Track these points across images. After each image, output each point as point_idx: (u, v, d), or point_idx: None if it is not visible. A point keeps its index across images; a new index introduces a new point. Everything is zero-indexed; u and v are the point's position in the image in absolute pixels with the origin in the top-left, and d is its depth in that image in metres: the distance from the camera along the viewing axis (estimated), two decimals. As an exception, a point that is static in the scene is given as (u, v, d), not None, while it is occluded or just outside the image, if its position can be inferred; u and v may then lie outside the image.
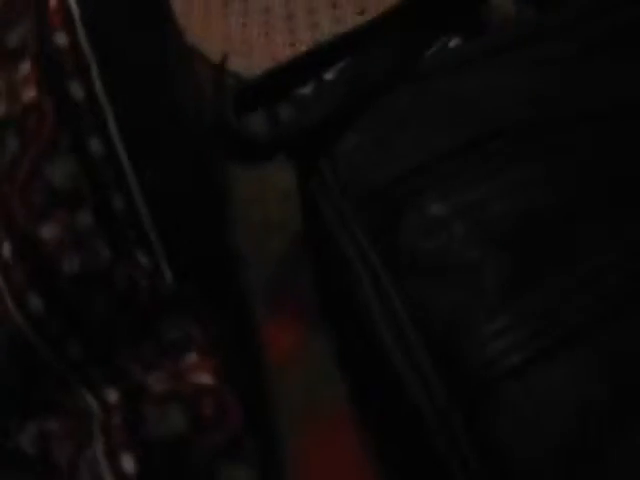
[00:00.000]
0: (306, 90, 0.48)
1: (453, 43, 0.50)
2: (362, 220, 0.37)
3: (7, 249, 0.36)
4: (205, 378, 0.36)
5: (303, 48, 0.56)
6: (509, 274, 0.34)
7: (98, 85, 0.35)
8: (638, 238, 0.34)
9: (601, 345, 0.32)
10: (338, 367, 0.41)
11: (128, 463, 0.35)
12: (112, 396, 0.37)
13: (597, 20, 0.42)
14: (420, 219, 0.36)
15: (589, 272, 0.33)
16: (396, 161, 0.38)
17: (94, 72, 0.35)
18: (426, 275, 0.35)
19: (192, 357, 0.37)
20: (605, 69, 0.40)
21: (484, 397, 0.31)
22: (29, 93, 0.35)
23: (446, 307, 0.34)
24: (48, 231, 0.35)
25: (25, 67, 0.36)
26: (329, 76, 0.47)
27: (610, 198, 0.36)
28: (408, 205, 0.37)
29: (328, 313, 0.43)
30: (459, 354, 0.33)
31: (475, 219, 0.36)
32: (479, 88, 0.40)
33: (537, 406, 0.31)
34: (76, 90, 0.35)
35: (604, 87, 0.39)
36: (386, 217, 0.37)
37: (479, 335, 0.33)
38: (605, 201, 0.36)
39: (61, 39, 0.34)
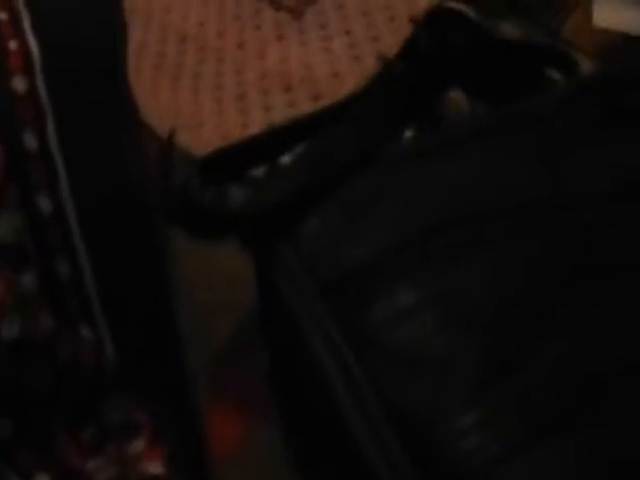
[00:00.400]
0: (258, 172, 0.46)
1: (408, 134, 0.50)
2: (328, 306, 0.35)
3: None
4: (154, 468, 0.32)
5: (254, 129, 0.54)
6: (479, 366, 0.32)
7: (52, 136, 0.33)
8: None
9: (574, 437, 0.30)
10: (291, 464, 0.38)
11: None
12: (43, 482, 0.33)
13: (551, 117, 0.42)
14: (390, 306, 0.35)
15: (555, 365, 0.32)
16: (364, 246, 0.37)
17: (50, 122, 0.33)
18: (398, 366, 0.33)
19: (140, 444, 0.33)
20: (557, 163, 0.39)
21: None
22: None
23: (420, 401, 0.32)
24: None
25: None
26: (285, 159, 0.46)
27: (582, 287, 0.35)
28: (378, 291, 0.35)
29: (282, 405, 0.40)
30: (436, 449, 0.30)
31: (445, 308, 0.34)
32: (439, 176, 0.39)
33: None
34: (29, 140, 0.32)
35: (555, 179, 0.39)
36: (354, 303, 0.35)
37: (455, 429, 0.31)
38: (576, 290, 0.35)
39: (19, 84, 0.32)
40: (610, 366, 0.33)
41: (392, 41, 0.59)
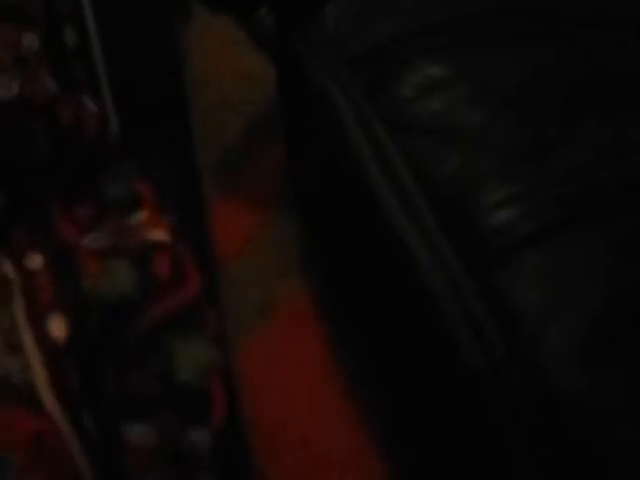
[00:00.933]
0: None
1: None
2: (359, 79, 0.33)
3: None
4: (158, 234, 0.30)
5: None
6: (518, 138, 0.30)
7: None
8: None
9: (628, 219, 0.28)
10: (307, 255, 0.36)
11: (56, 326, 0.29)
12: (35, 262, 0.31)
13: None
14: (422, 78, 0.32)
15: (592, 154, 0.30)
16: (396, 21, 0.34)
17: None
18: (428, 134, 0.30)
19: (142, 214, 0.31)
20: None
21: (500, 264, 0.27)
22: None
23: (452, 168, 0.29)
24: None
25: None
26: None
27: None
28: (410, 65, 0.32)
29: (302, 197, 0.38)
30: (468, 219, 0.28)
31: (480, 82, 0.32)
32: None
33: (561, 279, 0.26)
34: None
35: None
36: (385, 75, 0.32)
37: (490, 200, 0.28)
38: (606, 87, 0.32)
39: None
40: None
41: None
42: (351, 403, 0.33)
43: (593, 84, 0.32)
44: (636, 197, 0.29)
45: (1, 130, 0.31)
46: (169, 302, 0.29)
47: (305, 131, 0.36)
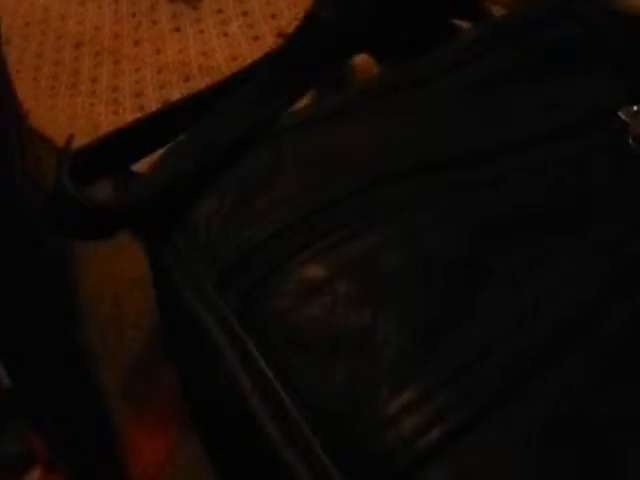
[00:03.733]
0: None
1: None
2: (231, 295, 0.31)
3: None
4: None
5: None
6: (405, 333, 0.28)
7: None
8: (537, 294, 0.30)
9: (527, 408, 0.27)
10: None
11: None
12: None
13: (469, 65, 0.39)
14: (298, 283, 0.30)
15: (491, 336, 0.28)
16: (261, 222, 0.32)
17: None
18: (307, 349, 0.29)
19: (36, 473, 0.30)
20: (488, 109, 0.36)
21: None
22: None
23: (338, 383, 0.28)
24: None
25: None
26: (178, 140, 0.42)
27: (516, 243, 0.31)
28: (280, 270, 0.31)
29: (195, 415, 0.36)
30: (359, 444, 0.26)
31: (363, 275, 0.30)
32: (351, 138, 0.35)
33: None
34: None
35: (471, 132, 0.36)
36: (255, 287, 0.31)
37: (381, 415, 0.27)
38: (510, 246, 0.31)
39: None
40: (549, 331, 0.29)
41: (291, 15, 0.56)
42: None
43: (486, 238, 0.31)
44: (531, 382, 0.27)
45: None
46: None
47: (182, 345, 0.35)
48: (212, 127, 0.37)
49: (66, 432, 0.33)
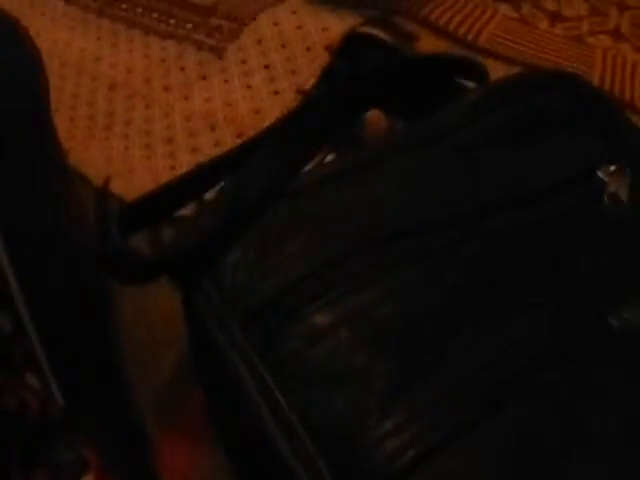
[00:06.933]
0: (186, 211, 0.49)
1: (329, 158, 0.53)
2: (251, 336, 0.37)
3: None
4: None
5: (182, 170, 0.57)
6: (395, 372, 0.35)
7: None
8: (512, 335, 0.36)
9: (492, 432, 0.33)
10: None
11: None
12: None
13: (463, 129, 0.45)
14: (305, 329, 0.37)
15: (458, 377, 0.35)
16: (278, 274, 0.38)
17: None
18: (316, 386, 0.35)
19: (90, 477, 0.36)
20: (475, 173, 0.42)
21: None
22: None
23: (336, 414, 0.34)
24: None
25: None
26: (208, 196, 0.48)
27: (487, 298, 0.38)
28: (293, 317, 0.37)
29: (220, 432, 0.42)
30: (353, 460, 0.33)
31: (360, 325, 0.37)
32: (355, 199, 0.41)
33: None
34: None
35: (473, 191, 0.41)
36: (273, 330, 0.37)
37: (370, 436, 0.33)
38: (482, 301, 0.37)
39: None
40: (515, 371, 0.35)
41: (309, 72, 0.62)
42: None
43: (468, 289, 0.37)
44: (487, 418, 0.34)
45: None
46: None
47: (210, 378, 0.42)
48: (238, 186, 0.43)
49: (113, 446, 0.39)
